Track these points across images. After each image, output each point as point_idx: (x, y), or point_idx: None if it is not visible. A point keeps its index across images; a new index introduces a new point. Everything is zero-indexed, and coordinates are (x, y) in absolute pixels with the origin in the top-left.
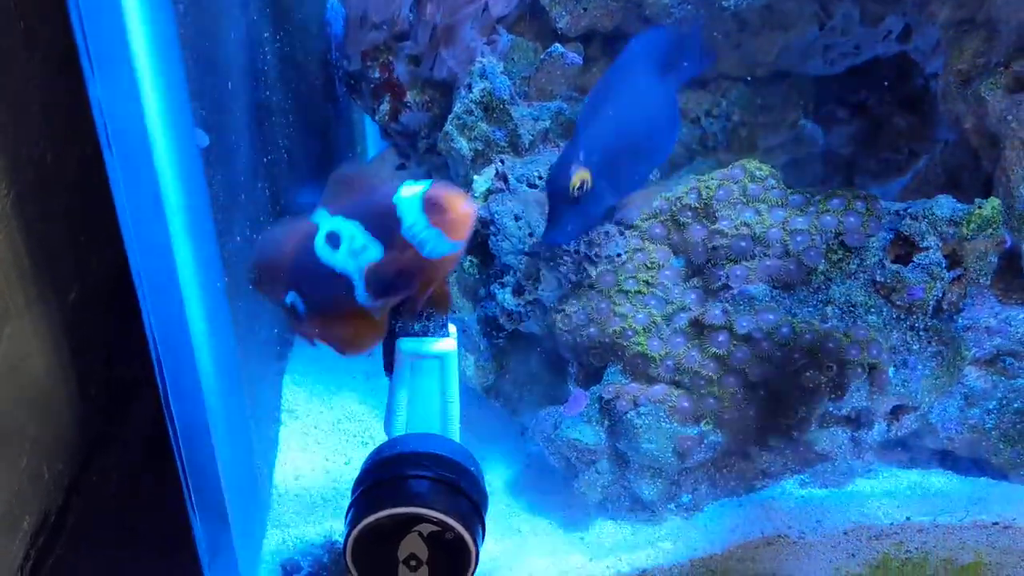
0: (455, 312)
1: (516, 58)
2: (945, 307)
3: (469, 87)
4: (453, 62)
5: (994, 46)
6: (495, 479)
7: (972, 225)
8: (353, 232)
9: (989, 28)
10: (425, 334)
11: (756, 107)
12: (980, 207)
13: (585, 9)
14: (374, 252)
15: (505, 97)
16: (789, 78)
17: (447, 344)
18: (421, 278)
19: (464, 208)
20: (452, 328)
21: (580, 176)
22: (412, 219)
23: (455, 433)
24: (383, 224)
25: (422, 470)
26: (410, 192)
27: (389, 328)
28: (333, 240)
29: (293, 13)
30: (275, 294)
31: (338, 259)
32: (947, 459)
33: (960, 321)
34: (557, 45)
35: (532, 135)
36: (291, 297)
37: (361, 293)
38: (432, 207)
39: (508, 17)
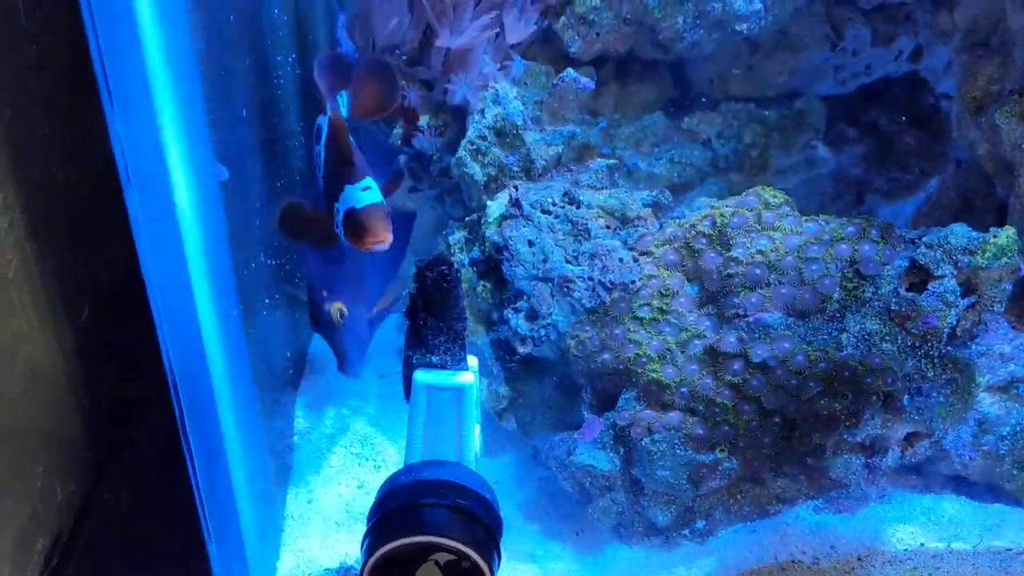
0: (469, 337)
1: (529, 83)
2: (959, 334)
3: (482, 112)
4: (466, 87)
5: (1009, 72)
6: (508, 503)
7: (987, 254)
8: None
9: (1004, 53)
10: (444, 367)
11: (767, 128)
12: (995, 236)
13: (598, 34)
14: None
15: (518, 123)
16: (800, 99)
17: (466, 377)
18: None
19: (367, 241)
20: (473, 360)
21: (336, 308)
22: (341, 208)
23: (471, 461)
24: (330, 184)
25: (438, 498)
26: (357, 194)
27: (407, 360)
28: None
29: (306, 35)
30: None
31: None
32: (961, 485)
33: (974, 348)
34: (570, 70)
35: (545, 160)
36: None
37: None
38: (352, 220)
39: (523, 43)
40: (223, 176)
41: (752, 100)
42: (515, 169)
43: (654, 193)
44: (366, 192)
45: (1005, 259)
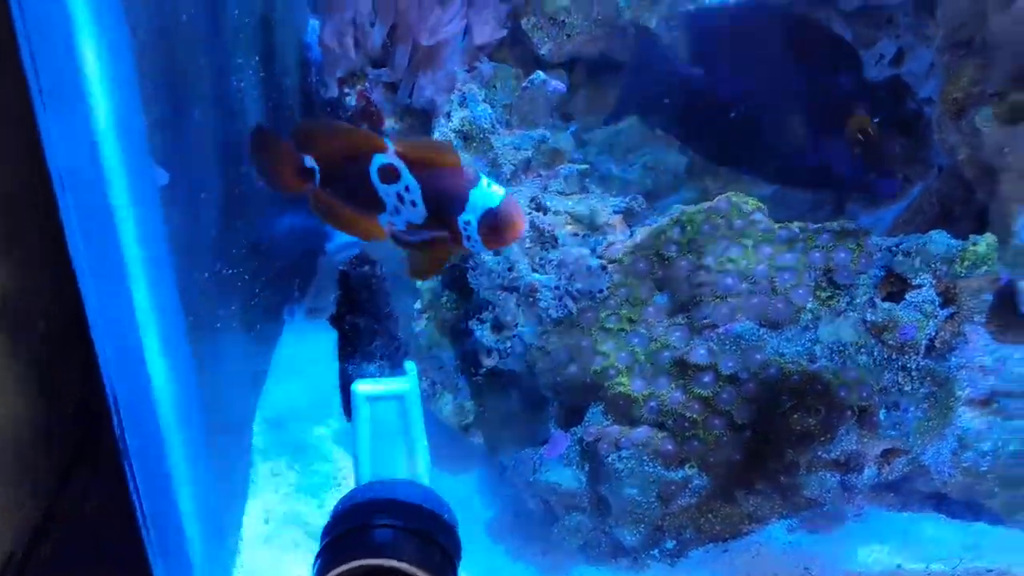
0: (429, 349)
1: (499, 86)
2: (938, 346)
3: (448, 115)
4: (433, 89)
5: (989, 74)
6: (474, 521)
7: (966, 263)
8: (411, 185)
9: (985, 55)
10: (381, 374)
11: None
12: (975, 244)
13: (568, 35)
14: (417, 216)
15: (486, 126)
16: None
17: (405, 383)
18: (437, 252)
19: (515, 235)
20: (410, 366)
21: None
22: (472, 217)
23: (425, 477)
24: (444, 202)
25: (392, 518)
26: (485, 192)
27: (342, 372)
28: (388, 174)
29: (273, 36)
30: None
31: (382, 189)
32: (941, 503)
33: (954, 360)
34: (539, 72)
35: (514, 165)
36: (310, 162)
37: (385, 219)
38: (494, 219)
39: (491, 45)
40: (163, 180)
41: None
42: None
43: (627, 199)
44: (491, 189)
45: (985, 268)
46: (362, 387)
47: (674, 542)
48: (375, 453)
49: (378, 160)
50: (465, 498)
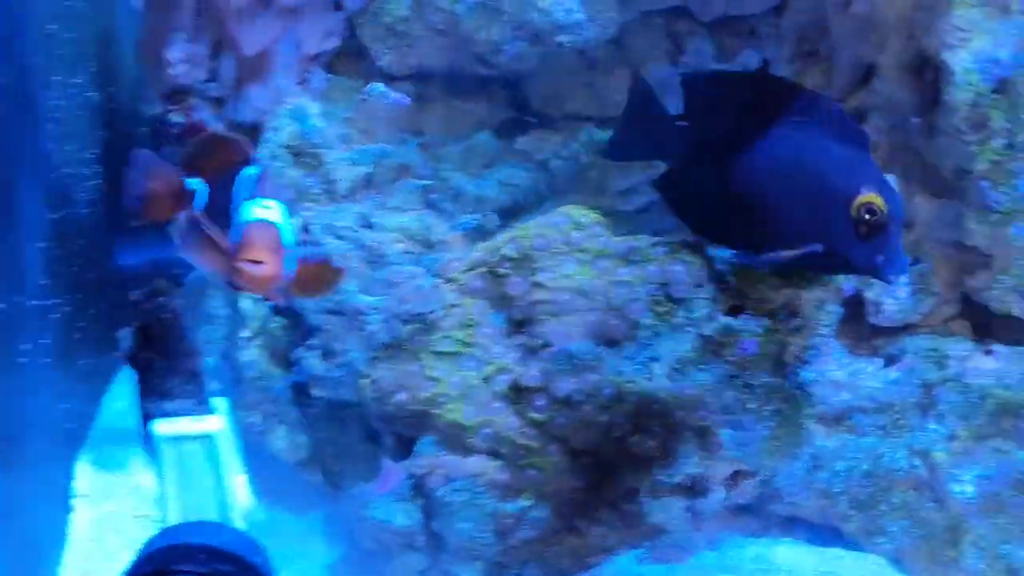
0: (260, 380)
1: (339, 99)
2: (787, 361)
3: (276, 130)
4: (261, 103)
5: (832, 80)
6: (311, 562)
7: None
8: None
9: (828, 61)
10: (184, 413)
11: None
12: None
13: (409, 46)
14: None
15: (317, 141)
16: None
17: (213, 422)
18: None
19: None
20: (222, 402)
21: None
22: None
23: (234, 518)
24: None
25: (196, 564)
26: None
27: (141, 406)
28: None
29: (108, 53)
30: None
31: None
32: (798, 527)
33: (805, 375)
34: (376, 84)
35: (350, 181)
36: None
37: None
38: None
39: (324, 55)
40: None
41: (594, 119)
42: (315, 191)
43: (478, 216)
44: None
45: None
46: (161, 427)
47: None
48: (182, 495)
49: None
50: (303, 537)
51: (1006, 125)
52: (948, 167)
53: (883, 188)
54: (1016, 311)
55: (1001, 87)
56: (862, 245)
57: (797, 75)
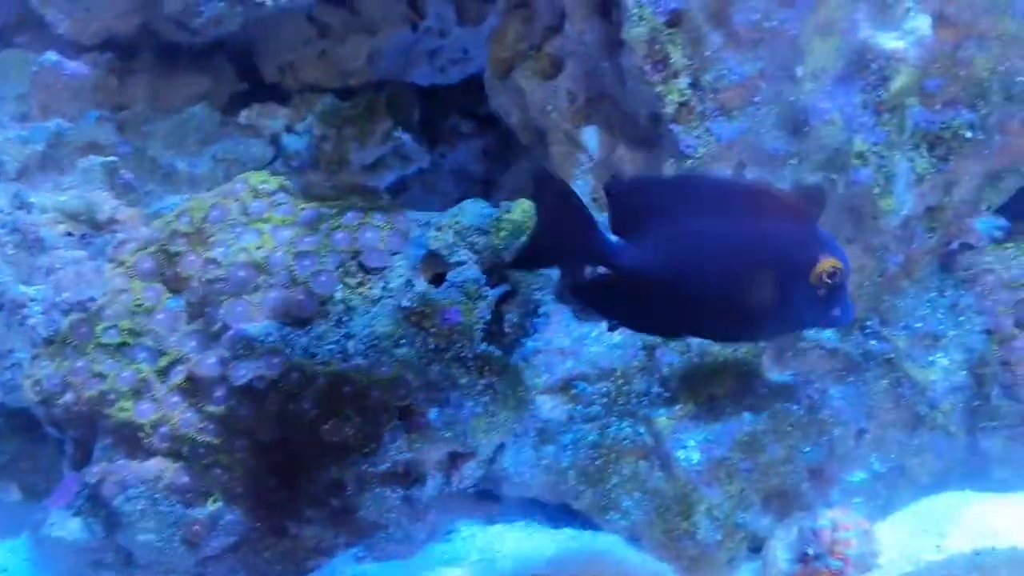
0: None
1: (13, 75)
2: (508, 330)
3: None
4: None
5: (532, 28)
6: None
7: (503, 233)
8: None
9: (529, 8)
10: None
11: (341, 120)
12: (508, 211)
13: (88, 9)
14: None
15: None
16: (388, 87)
17: None
18: None
19: None
20: None
21: None
22: None
23: None
24: None
25: None
26: None
27: None
28: None
29: None
30: None
31: None
32: (533, 508)
33: (529, 345)
34: (50, 53)
35: (19, 162)
36: None
37: None
38: None
39: None
40: None
41: (333, 90)
42: None
43: (187, 198)
44: None
45: (525, 237)
46: None
47: None
48: None
49: None
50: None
51: (687, 62)
52: (643, 114)
53: (834, 248)
54: None
55: (676, 20)
56: (822, 305)
57: (503, 26)
